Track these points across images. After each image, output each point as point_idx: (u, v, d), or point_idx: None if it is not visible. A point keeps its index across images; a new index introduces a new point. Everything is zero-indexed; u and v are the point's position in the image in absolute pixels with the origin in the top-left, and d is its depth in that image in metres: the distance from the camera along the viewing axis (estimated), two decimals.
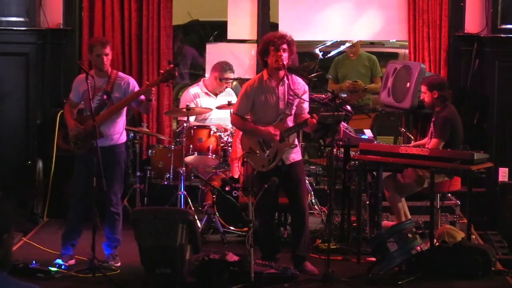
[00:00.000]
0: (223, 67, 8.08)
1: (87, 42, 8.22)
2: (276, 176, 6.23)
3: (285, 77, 6.37)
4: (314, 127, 6.55)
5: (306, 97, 6.50)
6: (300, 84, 6.49)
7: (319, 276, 6.19)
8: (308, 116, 6.42)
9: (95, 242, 6.25)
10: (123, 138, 6.70)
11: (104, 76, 6.59)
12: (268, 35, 6.58)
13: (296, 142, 6.55)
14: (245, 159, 6.53)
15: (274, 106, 6.42)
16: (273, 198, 6.47)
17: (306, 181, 7.20)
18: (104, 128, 6.49)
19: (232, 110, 7.70)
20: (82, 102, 6.65)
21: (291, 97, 6.41)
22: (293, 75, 6.46)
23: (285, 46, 6.32)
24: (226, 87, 8.18)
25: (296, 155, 6.52)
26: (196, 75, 11.95)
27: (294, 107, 6.47)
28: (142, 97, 6.55)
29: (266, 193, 6.03)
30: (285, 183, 6.43)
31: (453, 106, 7.22)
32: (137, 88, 6.65)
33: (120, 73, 6.71)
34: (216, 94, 8.14)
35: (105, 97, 6.50)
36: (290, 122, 6.47)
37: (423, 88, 7.21)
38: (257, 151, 6.45)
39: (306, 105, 6.53)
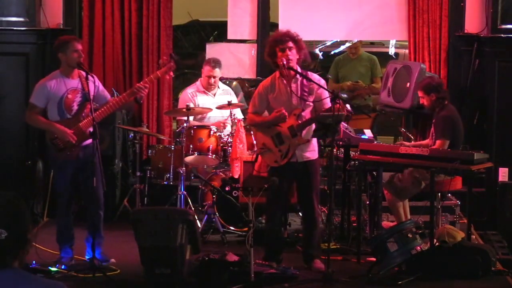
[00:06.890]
0: (209, 63, 8.09)
1: (87, 42, 8.25)
2: (290, 173, 6.29)
3: (297, 74, 6.37)
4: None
5: (323, 91, 6.44)
6: (316, 80, 6.48)
7: (319, 276, 6.20)
8: None
9: (95, 242, 6.26)
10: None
11: (73, 77, 6.39)
12: (272, 36, 6.57)
13: (314, 140, 6.52)
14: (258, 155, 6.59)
15: (286, 102, 6.42)
16: (285, 197, 6.54)
17: None
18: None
19: (231, 109, 7.75)
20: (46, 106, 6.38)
21: (305, 93, 6.40)
22: (308, 71, 6.47)
23: (290, 44, 6.32)
24: (215, 83, 8.10)
25: (311, 153, 6.51)
26: (196, 75, 11.94)
27: (310, 103, 6.43)
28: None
29: (278, 191, 6.16)
30: (298, 181, 6.48)
31: (452, 105, 7.19)
32: (101, 84, 6.57)
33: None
34: (209, 91, 8.12)
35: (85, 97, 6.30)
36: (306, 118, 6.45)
37: (420, 93, 7.14)
38: (271, 147, 6.46)
39: (325, 100, 6.41)
